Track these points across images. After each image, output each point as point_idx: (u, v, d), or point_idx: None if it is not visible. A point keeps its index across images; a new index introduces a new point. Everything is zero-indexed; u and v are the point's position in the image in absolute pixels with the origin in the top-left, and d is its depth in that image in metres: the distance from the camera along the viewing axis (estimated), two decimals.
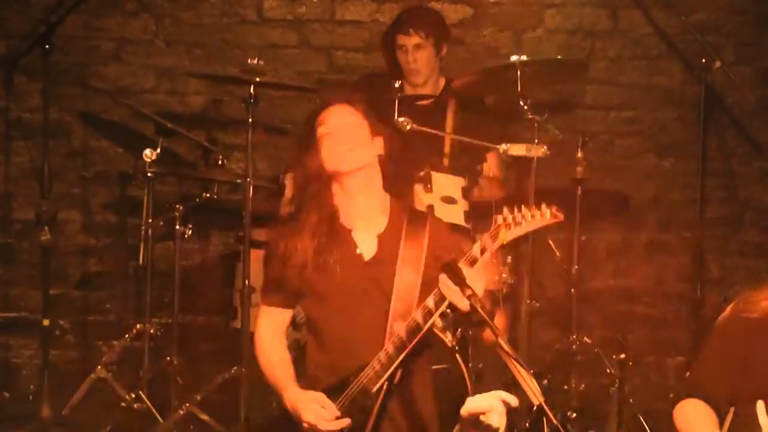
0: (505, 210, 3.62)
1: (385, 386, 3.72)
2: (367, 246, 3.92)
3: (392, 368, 3.70)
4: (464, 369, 4.52)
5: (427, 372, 3.95)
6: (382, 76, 5.96)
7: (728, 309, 3.68)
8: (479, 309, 3.43)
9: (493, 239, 3.61)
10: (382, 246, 3.91)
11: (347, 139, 3.91)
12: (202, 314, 6.19)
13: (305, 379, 3.92)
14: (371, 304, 3.84)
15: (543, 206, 3.63)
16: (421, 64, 5.73)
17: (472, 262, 3.60)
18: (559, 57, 6.03)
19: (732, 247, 6.37)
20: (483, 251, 3.61)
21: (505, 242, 3.61)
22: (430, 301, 3.64)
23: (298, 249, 3.89)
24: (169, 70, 6.21)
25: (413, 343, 3.69)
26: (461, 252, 3.69)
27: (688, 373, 3.85)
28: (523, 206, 3.63)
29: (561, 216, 3.62)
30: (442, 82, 5.87)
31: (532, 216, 3.61)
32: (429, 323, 3.66)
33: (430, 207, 5.02)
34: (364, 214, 3.94)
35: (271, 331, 4.02)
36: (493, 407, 3.00)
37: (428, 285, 3.73)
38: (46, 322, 5.80)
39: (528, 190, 5.44)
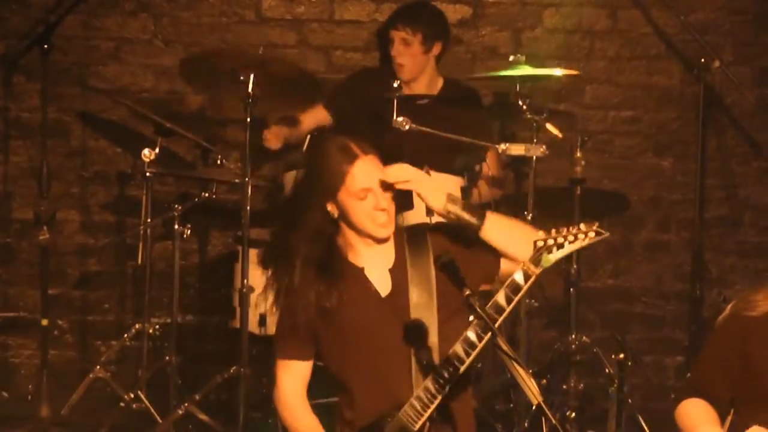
0: (542, 233, 3.51)
1: (427, 425, 3.58)
2: (382, 282, 3.77)
3: (433, 406, 3.55)
4: None
5: (467, 404, 3.79)
6: (379, 71, 5.96)
7: (728, 308, 3.69)
8: (478, 309, 3.43)
9: (536, 264, 3.48)
10: (396, 279, 3.76)
11: (389, 208, 3.74)
12: (201, 314, 6.19)
13: (339, 424, 3.78)
14: (394, 336, 3.69)
15: (583, 225, 3.52)
16: (405, 60, 5.70)
17: (515, 290, 3.49)
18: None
19: (731, 246, 6.37)
20: (527, 278, 3.48)
21: (548, 266, 3.49)
22: (471, 334, 3.50)
23: (310, 295, 3.72)
24: (168, 70, 6.20)
25: (455, 378, 3.54)
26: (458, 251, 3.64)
27: (689, 374, 3.85)
28: (563, 228, 3.50)
29: (605, 233, 3.50)
30: (439, 81, 5.84)
31: (575, 237, 3.49)
32: (472, 356, 3.51)
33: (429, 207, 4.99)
34: (373, 252, 3.79)
35: (293, 389, 3.83)
36: None
37: (443, 299, 3.66)
38: (44, 322, 5.79)
39: (527, 189, 5.46)
